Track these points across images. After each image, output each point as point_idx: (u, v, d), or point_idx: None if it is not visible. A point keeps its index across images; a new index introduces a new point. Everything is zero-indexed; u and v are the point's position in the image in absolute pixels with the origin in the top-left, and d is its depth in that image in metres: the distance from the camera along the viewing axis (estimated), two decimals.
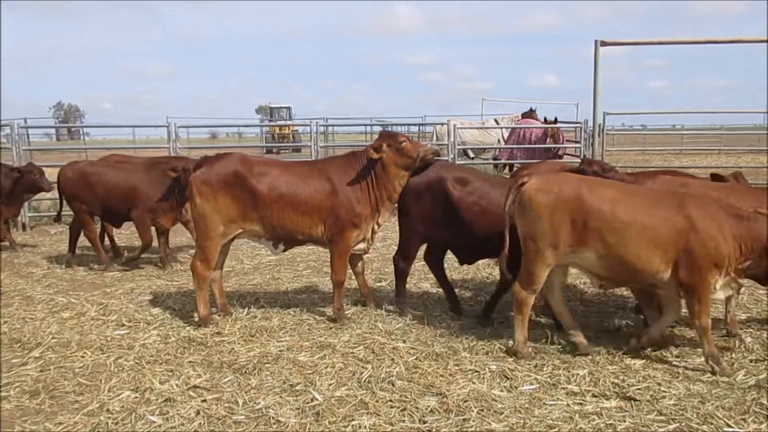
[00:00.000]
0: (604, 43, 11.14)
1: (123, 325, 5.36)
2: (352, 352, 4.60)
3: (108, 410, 3.75)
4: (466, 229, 5.09)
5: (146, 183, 7.20)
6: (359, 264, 5.75)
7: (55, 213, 8.42)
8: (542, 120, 12.08)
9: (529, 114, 14.83)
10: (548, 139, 11.69)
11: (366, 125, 23.93)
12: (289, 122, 32.41)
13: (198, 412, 3.67)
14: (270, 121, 41.34)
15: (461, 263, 5.65)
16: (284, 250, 5.57)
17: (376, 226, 5.46)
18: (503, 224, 4.52)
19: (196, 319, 5.32)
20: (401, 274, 5.58)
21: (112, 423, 3.58)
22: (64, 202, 7.71)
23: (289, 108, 40.10)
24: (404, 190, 5.28)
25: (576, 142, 12.43)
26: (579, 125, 12.06)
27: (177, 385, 4.07)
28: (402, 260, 5.52)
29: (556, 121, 11.82)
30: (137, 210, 7.20)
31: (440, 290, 6.10)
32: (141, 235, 7.31)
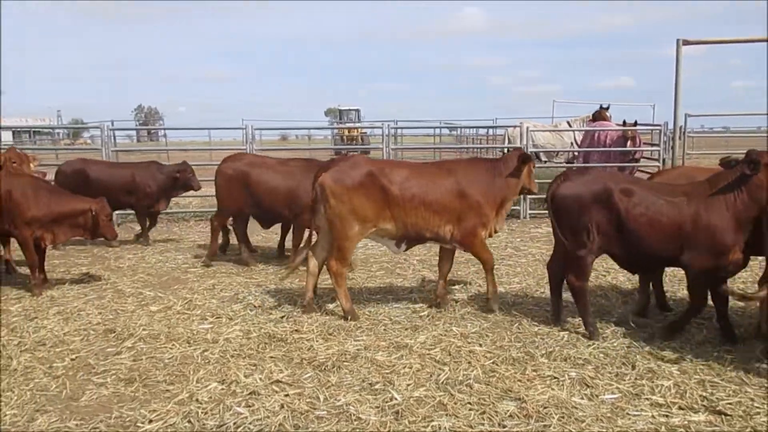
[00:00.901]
0: (686, 42, 10.72)
1: (206, 319, 5.59)
2: (428, 354, 4.63)
3: (197, 400, 3.92)
4: (634, 240, 4.75)
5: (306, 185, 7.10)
6: (446, 266, 5.85)
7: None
8: (621, 122, 11.70)
9: (600, 114, 14.33)
10: (628, 143, 11.32)
11: (435, 128, 23.87)
12: (358, 125, 32.69)
13: (282, 406, 3.79)
14: (339, 123, 42.19)
15: (632, 272, 5.46)
16: (405, 250, 5.74)
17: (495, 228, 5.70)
18: (670, 234, 4.54)
19: (342, 313, 5.54)
20: (581, 294, 5.04)
21: (202, 412, 3.75)
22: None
23: (358, 110, 40.72)
24: (565, 202, 4.91)
25: (654, 144, 11.99)
26: (658, 127, 11.62)
27: (260, 379, 4.22)
28: (577, 279, 4.99)
29: (635, 123, 11.42)
30: (296, 211, 7.18)
31: (516, 296, 6.05)
32: (297, 235, 7.36)
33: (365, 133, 33.00)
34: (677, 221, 4.56)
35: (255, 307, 5.94)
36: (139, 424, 3.64)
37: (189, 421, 3.67)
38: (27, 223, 6.30)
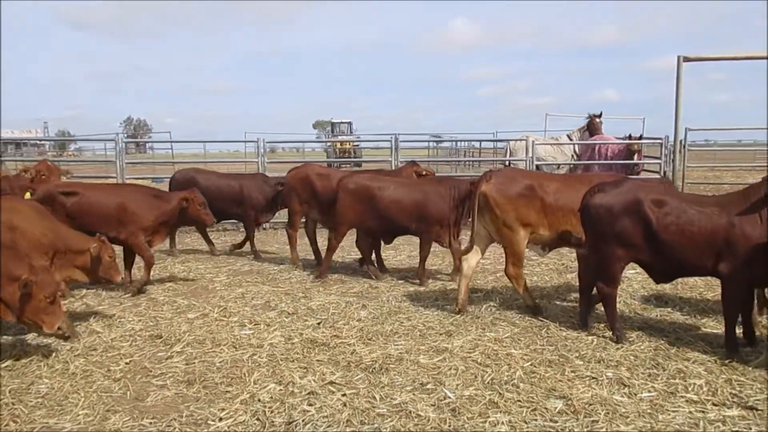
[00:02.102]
0: (687, 59, 11.18)
1: (245, 326, 5.79)
2: (469, 357, 4.87)
3: (259, 400, 4.13)
4: (666, 250, 4.93)
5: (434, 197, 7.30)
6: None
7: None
8: (627, 136, 12.09)
9: (594, 124, 14.65)
10: (635, 156, 11.72)
11: (438, 141, 24.19)
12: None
13: (344, 404, 4.01)
14: (332, 136, 42.47)
15: (657, 282, 5.60)
16: (548, 252, 6.33)
17: None
18: (703, 244, 4.76)
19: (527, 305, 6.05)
20: (610, 301, 5.31)
21: (268, 411, 3.96)
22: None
23: (350, 123, 41.03)
24: (596, 211, 5.14)
25: (656, 157, 12.39)
26: (660, 141, 12.03)
27: (314, 380, 4.43)
28: (606, 285, 5.24)
29: (641, 137, 11.82)
30: (424, 224, 7.31)
31: (540, 302, 6.33)
32: (424, 248, 7.44)
33: (357, 145, 33.45)
34: (710, 231, 4.78)
35: (289, 314, 6.15)
36: (210, 422, 3.84)
37: (258, 419, 3.87)
38: (143, 229, 6.93)
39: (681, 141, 11.53)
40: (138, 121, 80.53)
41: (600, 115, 14.44)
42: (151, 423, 3.86)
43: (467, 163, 22.43)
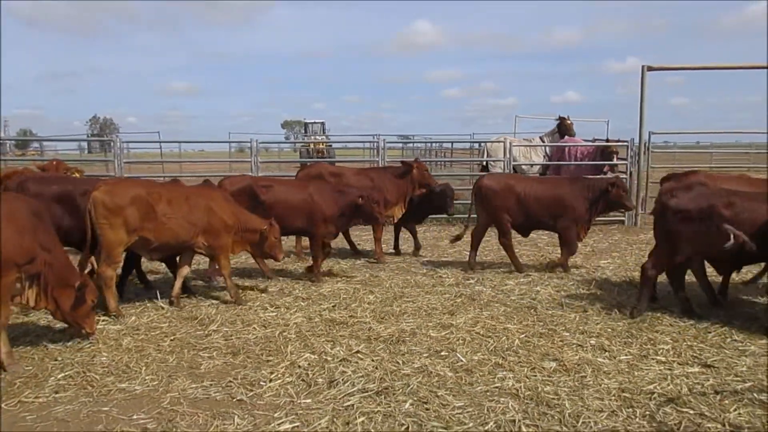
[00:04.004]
0: (650, 68, 12.17)
1: (267, 309, 6.45)
2: (473, 330, 5.64)
3: (299, 366, 4.82)
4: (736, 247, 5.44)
5: (571, 196, 7.95)
6: None
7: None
8: (605, 139, 13.09)
9: (564, 125, 15.62)
10: (614, 156, 12.79)
11: (425, 143, 24.93)
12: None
13: (375, 367, 4.73)
14: (305, 135, 42.97)
15: (720, 273, 6.46)
16: None
17: None
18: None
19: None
20: (648, 281, 6.08)
21: (310, 373, 4.65)
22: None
23: (323, 123, 41.58)
24: (672, 209, 5.80)
25: (623, 158, 13.39)
26: (626, 143, 13.02)
27: (343, 351, 5.13)
28: (652, 268, 6.04)
29: (608, 140, 12.84)
30: (564, 221, 7.96)
31: (529, 286, 7.15)
32: (568, 245, 8.04)
33: (330, 146, 34.16)
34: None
35: (304, 299, 6.83)
36: (261, 383, 4.51)
37: (302, 380, 4.56)
38: (324, 221, 7.62)
39: (645, 143, 12.53)
40: (104, 119, 79.44)
41: (568, 118, 15.42)
42: (210, 385, 4.51)
43: (441, 163, 23.33)
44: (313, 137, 38.01)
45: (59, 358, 5.02)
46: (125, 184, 6.41)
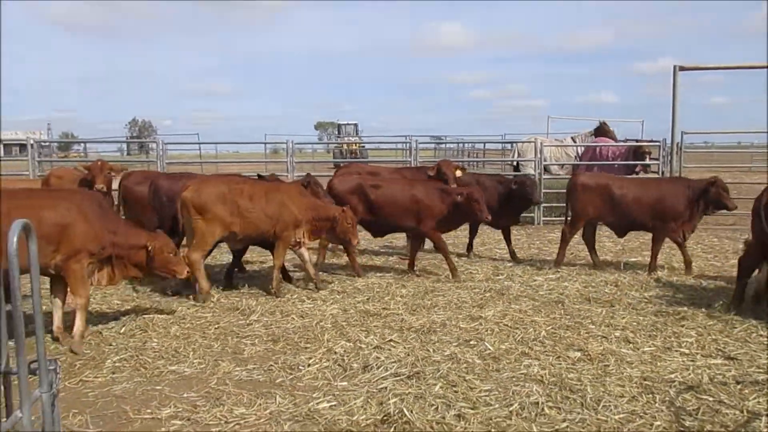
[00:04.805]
0: (682, 68, 12.19)
1: (304, 301, 6.77)
2: (501, 322, 5.87)
3: (335, 352, 5.12)
4: None
5: (672, 196, 7.88)
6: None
7: None
8: (625, 139, 13.16)
9: (604, 130, 15.74)
10: (646, 157, 12.86)
11: (456, 143, 25.14)
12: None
13: (407, 354, 5.00)
14: (338, 136, 43.50)
15: None
16: None
17: None
18: None
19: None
20: (745, 274, 6.28)
21: (346, 358, 4.95)
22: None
23: (356, 124, 42.13)
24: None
25: (654, 159, 13.40)
26: (658, 143, 13.04)
27: (376, 339, 5.41)
28: (747, 259, 6.27)
29: (637, 141, 12.95)
30: (660, 221, 7.92)
31: (558, 283, 7.33)
32: (655, 244, 8.05)
33: (363, 146, 34.64)
34: None
35: (339, 292, 7.14)
36: (300, 367, 4.83)
37: (339, 365, 4.86)
38: (431, 219, 7.74)
39: (678, 143, 12.52)
40: (143, 122, 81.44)
41: (605, 123, 15.55)
42: (254, 368, 4.85)
43: (475, 163, 23.45)
44: (346, 138, 38.57)
45: (113, 343, 5.43)
46: (211, 183, 6.91)
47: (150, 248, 5.58)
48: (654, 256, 8.08)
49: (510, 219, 9.21)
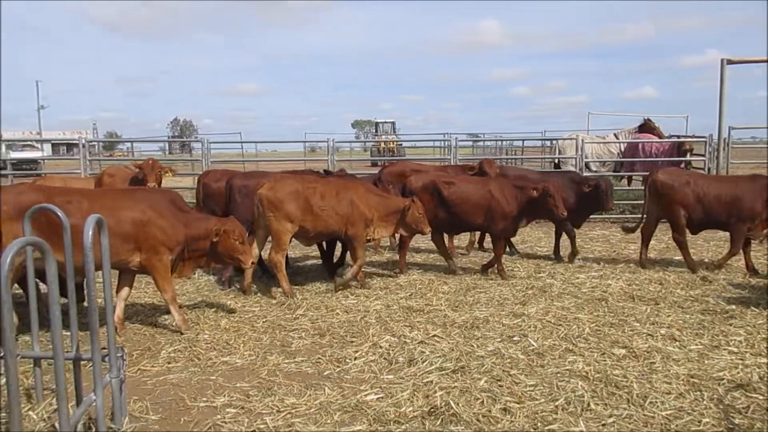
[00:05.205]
0: (730, 62, 11.91)
1: (348, 297, 6.91)
2: (544, 319, 5.89)
3: (381, 346, 5.23)
4: None
5: (751, 195, 7.75)
6: None
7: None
8: (669, 135, 12.91)
9: (648, 126, 15.47)
10: (687, 154, 12.61)
11: (495, 141, 25.01)
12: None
13: (451, 349, 5.08)
14: (375, 135, 43.70)
15: None
16: None
17: None
18: None
19: None
20: None
21: (392, 352, 5.05)
22: None
23: (393, 123, 42.30)
24: None
25: (700, 155, 13.13)
26: (704, 139, 12.77)
27: (420, 335, 5.50)
28: None
29: (678, 137, 12.70)
30: (737, 219, 7.75)
31: (600, 279, 7.29)
32: (735, 243, 7.85)
33: (400, 144, 34.74)
34: None
35: (382, 288, 7.25)
36: (347, 360, 4.95)
37: (384, 358, 4.97)
38: (503, 218, 7.74)
39: (725, 139, 12.24)
40: (184, 122, 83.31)
41: (650, 120, 15.30)
42: (302, 360, 5.00)
43: (513, 161, 23.29)
44: (383, 136, 38.75)
45: (167, 335, 5.65)
46: (286, 181, 7.13)
47: (218, 232, 5.70)
48: (730, 256, 7.93)
49: (575, 221, 8.78)
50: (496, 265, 7.82)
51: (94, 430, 3.14)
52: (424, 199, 7.68)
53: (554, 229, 9.17)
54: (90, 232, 2.69)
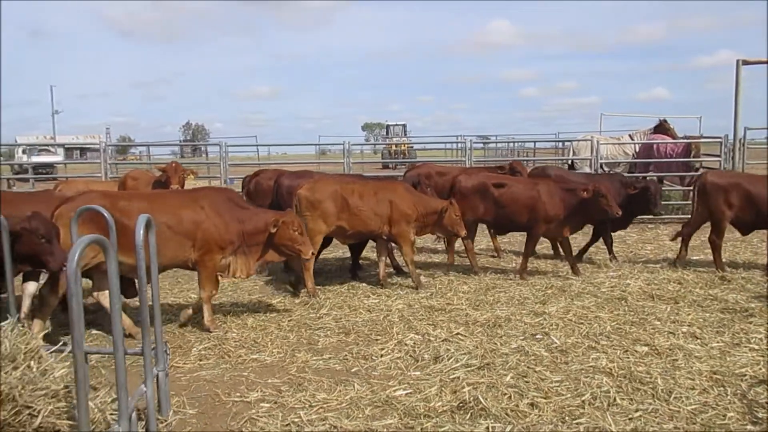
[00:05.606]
0: (746, 62, 11.94)
1: (370, 297, 7.02)
2: (565, 317, 5.98)
3: (406, 344, 5.34)
4: None
5: None
6: None
7: None
8: (683, 135, 12.92)
9: (663, 126, 15.46)
10: (692, 154, 12.63)
11: (507, 142, 25.11)
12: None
13: (475, 347, 5.18)
14: (386, 137, 43.83)
15: None
16: None
17: None
18: None
19: None
20: None
21: (417, 348, 5.16)
22: None
23: (404, 125, 42.38)
24: None
25: (716, 155, 13.14)
26: (719, 139, 12.78)
27: (443, 333, 5.60)
28: None
29: (686, 137, 12.72)
30: None
31: (619, 279, 7.37)
32: None
33: (411, 146, 34.82)
34: None
35: (403, 288, 7.36)
36: (374, 357, 5.07)
37: (410, 355, 5.08)
38: (546, 220, 7.72)
39: (740, 139, 12.26)
40: (196, 125, 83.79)
41: (665, 121, 15.30)
42: (330, 357, 5.12)
43: (526, 162, 23.33)
44: (394, 138, 38.85)
45: (197, 333, 5.79)
46: (324, 181, 7.35)
47: (276, 223, 5.81)
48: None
49: (621, 224, 8.67)
50: (520, 263, 7.96)
51: (143, 421, 3.29)
52: (474, 200, 7.82)
53: (593, 234, 8.97)
54: (141, 232, 2.82)
